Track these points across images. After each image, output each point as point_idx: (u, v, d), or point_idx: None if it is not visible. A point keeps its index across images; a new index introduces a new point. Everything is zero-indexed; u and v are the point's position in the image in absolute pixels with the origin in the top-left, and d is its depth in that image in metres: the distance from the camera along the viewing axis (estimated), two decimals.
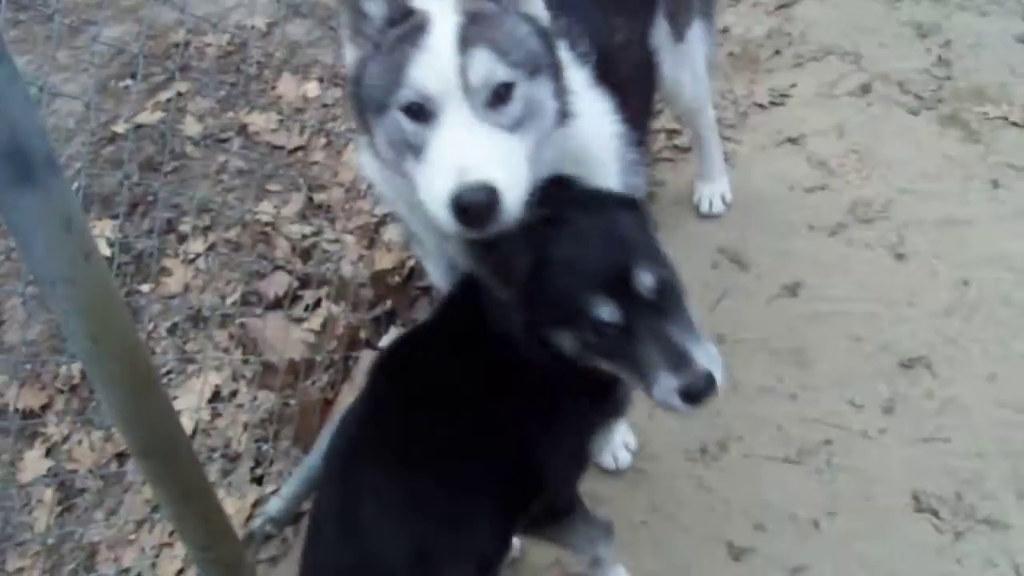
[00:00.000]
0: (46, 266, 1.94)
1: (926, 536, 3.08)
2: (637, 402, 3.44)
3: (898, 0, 5.02)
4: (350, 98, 2.26)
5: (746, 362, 3.58)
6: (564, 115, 2.20)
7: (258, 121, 4.89)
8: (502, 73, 2.03)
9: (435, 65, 2.01)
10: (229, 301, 4.11)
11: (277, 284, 4.05)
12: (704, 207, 4.12)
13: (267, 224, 4.35)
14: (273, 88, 5.12)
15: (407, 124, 2.06)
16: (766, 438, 3.37)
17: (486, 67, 2.01)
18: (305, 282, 4.06)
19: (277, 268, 4.13)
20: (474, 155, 1.98)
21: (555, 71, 2.17)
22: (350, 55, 2.22)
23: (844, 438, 3.33)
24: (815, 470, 3.27)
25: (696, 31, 3.48)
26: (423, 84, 2.01)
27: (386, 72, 2.08)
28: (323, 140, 4.83)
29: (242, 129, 4.92)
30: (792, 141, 4.38)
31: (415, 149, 2.05)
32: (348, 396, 3.59)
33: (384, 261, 4.06)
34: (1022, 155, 4.18)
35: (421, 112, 2.03)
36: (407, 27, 2.09)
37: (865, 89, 4.57)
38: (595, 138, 2.38)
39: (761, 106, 4.56)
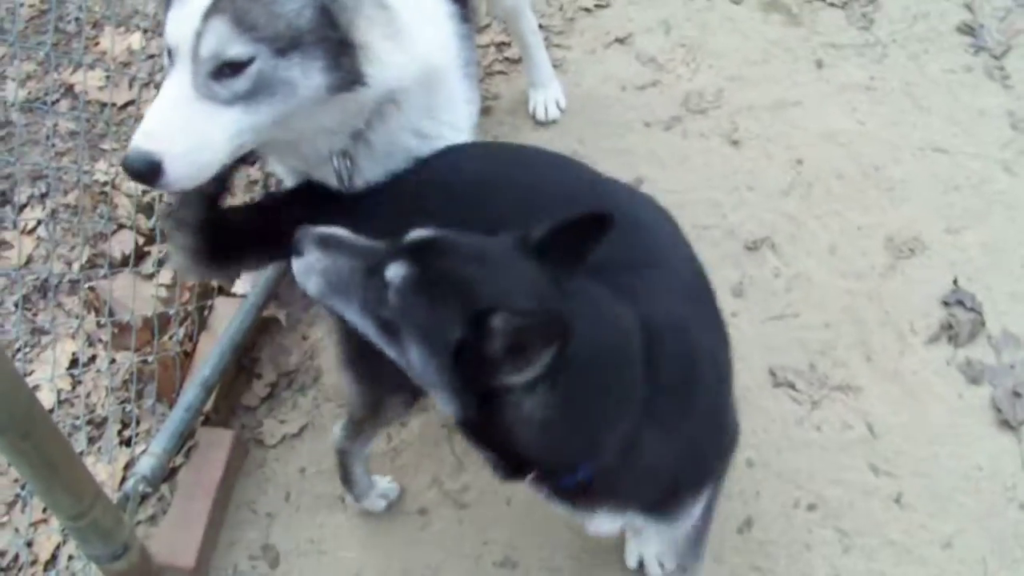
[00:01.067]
0: None
1: (785, 408, 3.21)
2: None
3: None
4: None
5: None
6: (349, 83, 2.12)
7: (82, 79, 4.71)
8: (234, 51, 1.98)
9: (178, 24, 2.00)
10: (75, 267, 3.98)
11: (122, 243, 3.92)
12: (540, 114, 4.11)
13: (105, 184, 4.21)
14: (96, 44, 4.92)
15: (167, 61, 2.08)
16: None
17: (217, 41, 1.97)
18: (150, 238, 3.94)
19: (120, 227, 4.00)
20: (153, 123, 2.01)
21: (329, 44, 2.07)
22: None
23: None
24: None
25: None
26: (168, 36, 2.03)
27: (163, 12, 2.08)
28: (153, 92, 4.65)
29: (68, 89, 4.73)
30: (620, 41, 4.38)
31: None
32: (207, 346, 3.52)
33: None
34: (842, 35, 4.29)
35: (172, 57, 2.05)
36: None
37: None
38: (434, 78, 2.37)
39: (587, 9, 4.54)
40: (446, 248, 1.83)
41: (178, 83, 2.00)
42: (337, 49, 2.07)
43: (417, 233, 1.86)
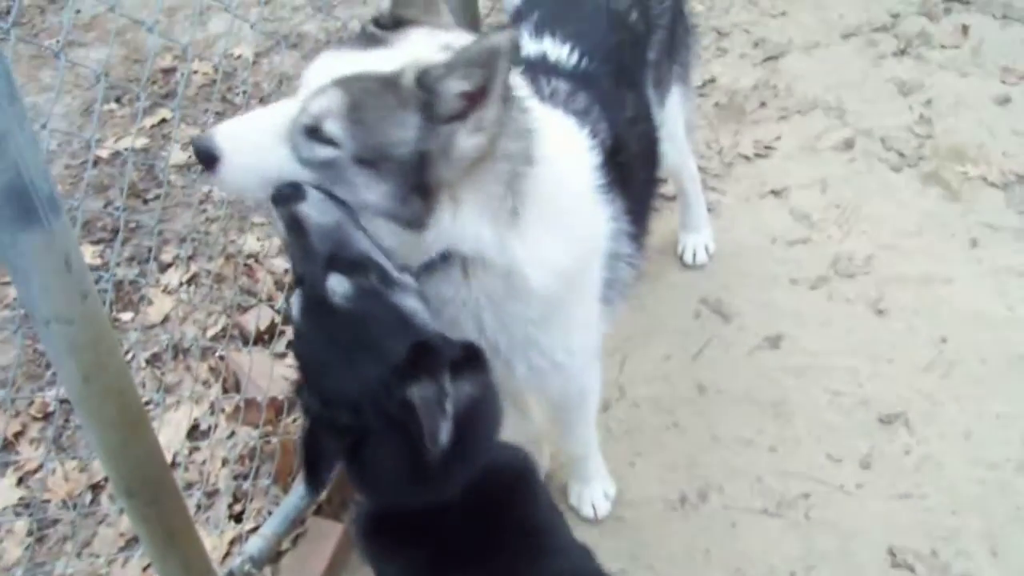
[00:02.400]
0: (42, 305, 1.93)
1: None
2: (618, 450, 3.52)
3: (881, 57, 5.09)
4: None
5: (726, 413, 3.61)
6: (406, 222, 2.12)
7: None
8: (328, 127, 2.03)
9: (318, 70, 2.12)
10: (210, 333, 4.09)
11: (260, 318, 4.02)
12: (688, 257, 4.14)
13: (250, 257, 4.34)
14: None
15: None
16: (745, 489, 3.39)
17: (326, 107, 2.03)
18: (287, 318, 4.04)
19: (260, 302, 4.11)
20: (241, 127, 2.15)
21: (406, 182, 2.08)
22: None
23: (822, 492, 3.36)
24: (793, 523, 3.29)
25: (675, 97, 3.53)
26: (309, 72, 2.15)
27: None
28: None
29: None
30: (776, 193, 4.41)
31: None
32: None
33: None
34: (999, 215, 4.24)
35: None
36: (376, 35, 2.20)
37: (848, 144, 4.62)
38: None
39: (746, 157, 4.60)
40: None
41: (282, 114, 2.09)
42: (414, 188, 2.07)
43: None
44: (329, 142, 2.04)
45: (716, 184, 4.49)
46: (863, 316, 3.91)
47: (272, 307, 4.07)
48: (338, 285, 1.93)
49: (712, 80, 4.97)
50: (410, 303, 2.03)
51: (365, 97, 2.04)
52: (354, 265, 1.98)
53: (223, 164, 2.08)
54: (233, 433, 3.71)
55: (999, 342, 3.77)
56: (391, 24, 2.22)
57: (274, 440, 3.54)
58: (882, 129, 4.67)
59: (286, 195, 2.02)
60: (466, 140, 2.05)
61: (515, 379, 2.57)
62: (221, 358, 3.92)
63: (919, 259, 4.09)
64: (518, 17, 3.09)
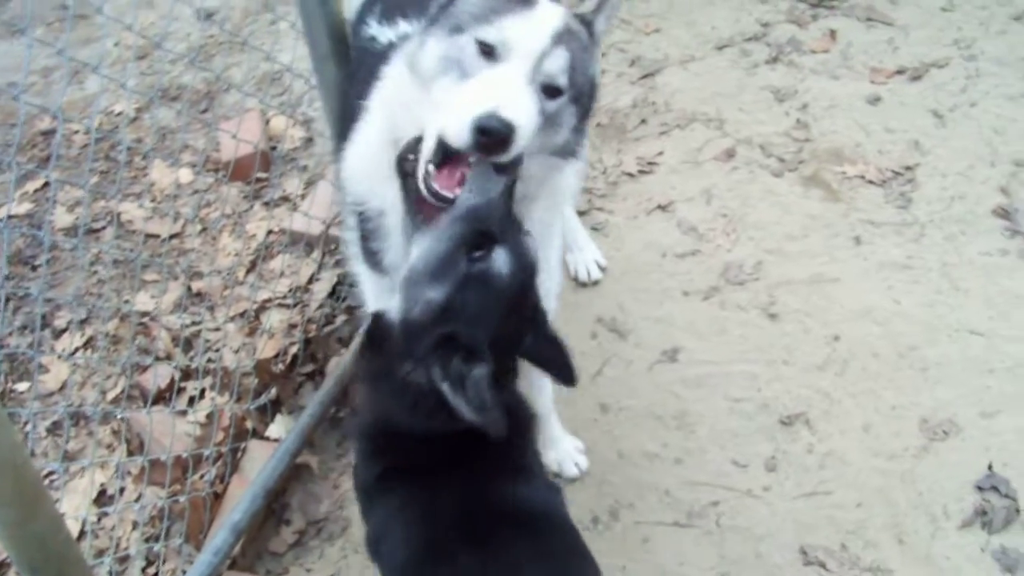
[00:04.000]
0: None
1: None
2: None
3: (755, 66, 5.19)
4: (438, 8, 2.50)
5: (631, 430, 3.65)
6: (570, 148, 2.50)
7: (131, 209, 4.82)
8: (563, 79, 2.30)
9: (529, 31, 2.29)
10: (110, 396, 4.03)
11: (159, 377, 3.97)
12: (583, 275, 4.17)
13: (144, 315, 4.28)
14: (145, 175, 5.05)
15: (472, 52, 2.31)
16: (655, 503, 3.43)
17: (558, 66, 2.29)
18: (188, 374, 3.99)
19: (158, 360, 4.06)
20: (512, 98, 2.22)
21: (585, 113, 2.45)
22: None
23: (731, 498, 3.41)
24: (705, 532, 3.34)
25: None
26: (511, 36, 2.28)
27: (483, 9, 2.35)
28: (199, 227, 4.78)
29: (115, 218, 4.84)
30: (662, 208, 4.47)
31: (464, 72, 2.31)
32: (237, 489, 3.55)
33: (267, 349, 4.02)
34: (881, 212, 4.35)
35: (490, 52, 2.28)
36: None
37: (729, 154, 4.70)
38: (569, 183, 2.81)
39: (630, 175, 4.65)
40: None
41: (516, 74, 2.26)
42: (586, 116, 2.49)
43: None
44: (556, 93, 2.31)
45: (603, 204, 4.54)
46: (756, 322, 3.98)
47: (170, 364, 4.02)
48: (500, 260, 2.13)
49: None
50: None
51: (576, 48, 2.34)
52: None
53: (516, 135, 2.18)
54: (141, 495, 3.65)
55: (889, 335, 3.87)
56: None
57: (182, 499, 3.49)
58: (761, 136, 4.76)
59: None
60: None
61: None
62: (123, 420, 3.86)
63: (806, 261, 4.18)
64: (364, 12, 3.18)
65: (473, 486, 2.23)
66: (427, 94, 2.37)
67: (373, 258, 2.74)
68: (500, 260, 2.12)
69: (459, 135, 2.18)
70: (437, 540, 2.19)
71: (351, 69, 3.20)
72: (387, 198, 2.59)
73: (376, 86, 2.64)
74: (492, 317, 2.09)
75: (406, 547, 2.23)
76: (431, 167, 2.28)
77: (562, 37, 2.30)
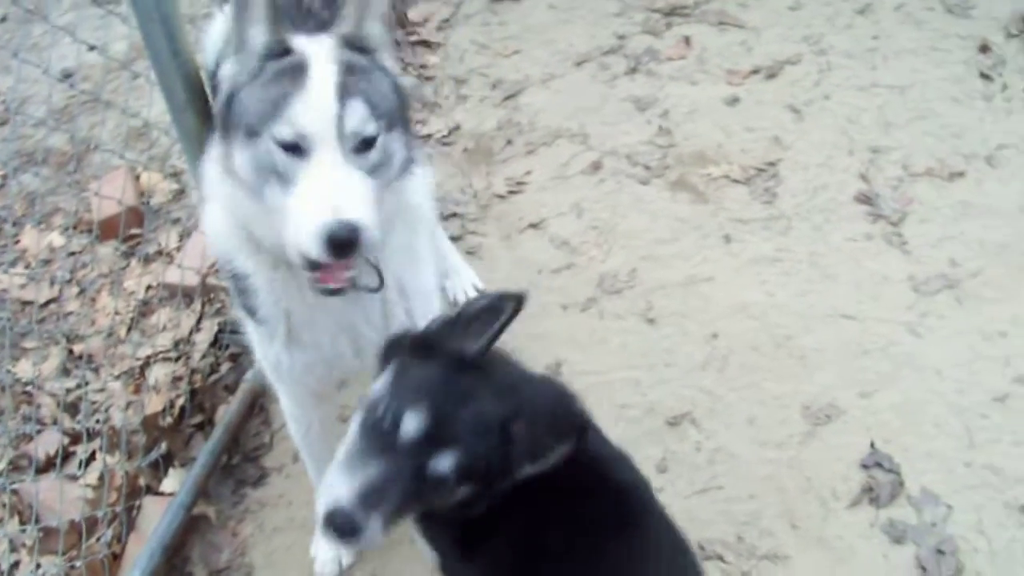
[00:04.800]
0: None
1: None
2: None
3: (615, 79, 5.25)
4: (220, 111, 2.37)
5: None
6: (408, 164, 2.43)
7: (4, 279, 4.73)
8: (371, 127, 2.22)
9: (316, 109, 2.17)
10: None
11: (46, 444, 3.89)
12: (460, 299, 4.16)
13: (28, 383, 4.21)
14: (17, 242, 4.97)
15: (279, 156, 2.20)
16: None
17: (359, 118, 2.19)
18: (76, 438, 3.92)
19: (44, 427, 3.99)
20: (344, 195, 2.15)
21: (406, 125, 2.38)
22: (228, 69, 2.34)
23: None
24: None
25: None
26: (303, 124, 2.17)
27: (264, 103, 2.22)
28: (75, 289, 4.70)
29: None
30: (534, 226, 4.51)
31: (283, 179, 2.21)
32: (135, 547, 3.51)
33: (154, 403, 3.97)
34: (747, 210, 4.45)
35: (295, 148, 2.18)
36: (285, 64, 2.25)
37: (596, 167, 4.75)
38: (421, 196, 2.71)
39: (501, 196, 4.68)
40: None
41: (334, 161, 2.18)
42: (408, 128, 2.41)
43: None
44: (372, 140, 2.25)
45: (475, 227, 4.56)
46: (636, 328, 4.03)
47: (57, 430, 3.95)
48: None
49: (457, 127, 5.05)
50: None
51: (365, 81, 2.29)
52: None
53: (363, 233, 2.13)
54: (38, 566, 3.58)
55: (766, 328, 3.96)
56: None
57: (79, 564, 3.44)
58: (626, 147, 4.83)
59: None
60: None
61: None
62: (13, 492, 3.79)
63: (679, 264, 4.25)
64: (221, 59, 3.12)
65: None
66: (259, 201, 2.30)
67: (248, 309, 2.70)
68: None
69: (313, 252, 2.15)
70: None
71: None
72: (249, 265, 2.55)
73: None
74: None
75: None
76: (313, 275, 2.28)
77: (347, 87, 2.22)
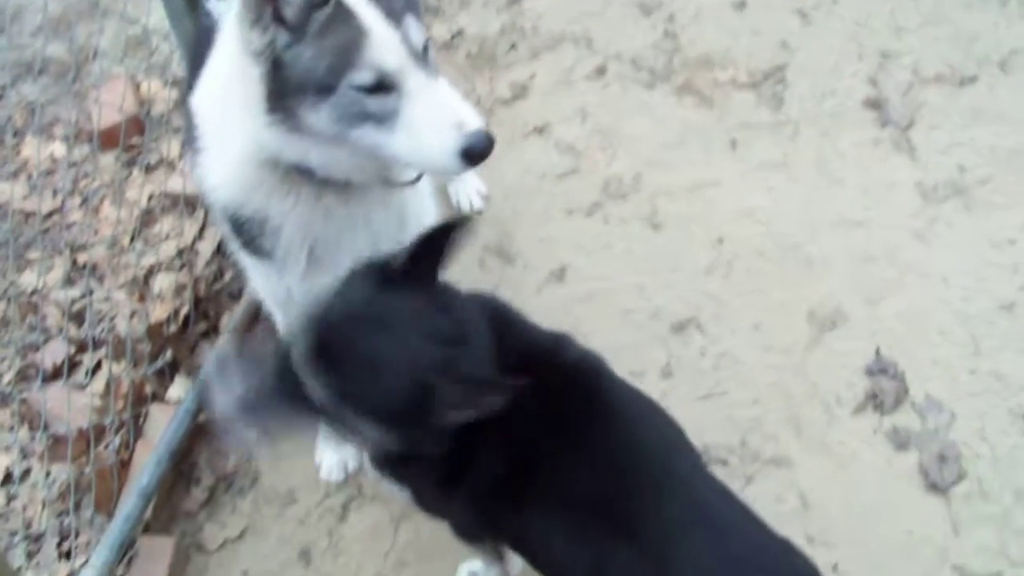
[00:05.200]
0: None
1: None
2: None
3: None
4: (266, 80, 2.24)
5: None
6: None
7: (6, 189, 4.70)
8: (423, 33, 2.24)
9: (386, 45, 2.16)
10: (5, 379, 3.95)
11: (53, 353, 3.90)
12: (465, 205, 4.15)
13: (33, 294, 4.20)
14: (17, 153, 4.92)
15: (366, 100, 2.18)
16: None
17: (416, 32, 2.20)
18: (82, 347, 3.92)
19: (50, 337, 3.99)
20: (455, 109, 2.20)
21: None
22: (249, 38, 2.21)
23: None
24: None
25: None
26: (381, 64, 2.16)
27: (327, 56, 2.17)
28: (78, 200, 4.67)
29: None
30: (539, 131, 4.45)
31: (377, 118, 2.20)
32: (143, 454, 3.53)
33: (158, 312, 3.96)
34: (754, 114, 4.39)
35: (379, 88, 2.17)
36: (331, 10, 2.17)
37: (600, 71, 4.68)
38: None
39: (504, 101, 4.62)
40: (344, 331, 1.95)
41: (424, 83, 2.18)
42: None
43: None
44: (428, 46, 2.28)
45: None
46: (640, 233, 4.00)
47: (63, 339, 3.95)
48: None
49: (460, 32, 4.97)
50: None
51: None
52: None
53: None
54: (48, 473, 3.60)
55: (772, 234, 3.93)
56: None
57: (88, 471, 3.46)
58: (630, 51, 4.75)
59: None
60: None
61: None
62: (22, 401, 3.80)
63: (685, 169, 4.21)
64: None
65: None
66: (340, 146, 2.28)
67: (258, 250, 2.64)
68: None
69: (453, 168, 2.22)
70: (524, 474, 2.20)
71: (192, 53, 3.03)
72: (272, 207, 2.51)
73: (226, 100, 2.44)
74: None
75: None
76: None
77: (391, 10, 2.20)
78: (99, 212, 4.54)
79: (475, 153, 2.18)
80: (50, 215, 4.55)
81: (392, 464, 2.37)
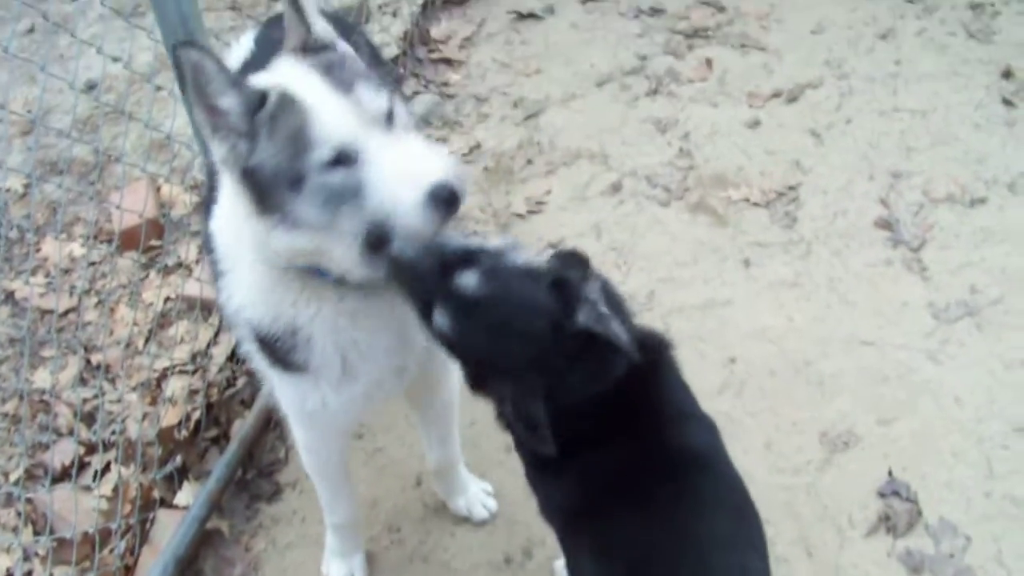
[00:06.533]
0: None
1: None
2: (433, 518, 3.53)
3: (635, 99, 5.26)
4: (244, 193, 2.27)
5: None
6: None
7: (24, 287, 4.75)
8: (382, 99, 2.21)
9: (336, 117, 2.15)
10: (12, 478, 3.95)
11: (62, 453, 3.90)
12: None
13: (45, 392, 4.22)
14: (37, 251, 4.98)
15: (335, 176, 2.16)
16: None
17: (371, 97, 2.19)
18: (91, 448, 3.92)
19: (60, 437, 3.99)
20: (419, 159, 2.18)
21: (397, 83, 2.33)
22: (217, 151, 2.24)
23: None
24: None
25: None
26: (333, 136, 2.14)
27: (284, 147, 2.16)
28: (94, 299, 4.71)
29: (9, 296, 4.77)
30: (553, 246, 4.46)
31: (354, 191, 2.16)
32: (148, 560, 3.51)
33: (170, 416, 3.97)
34: (767, 233, 4.44)
35: (344, 160, 2.15)
36: (273, 105, 2.17)
37: (616, 187, 4.75)
38: None
39: (520, 215, 4.68)
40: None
41: (384, 143, 2.17)
42: (399, 85, 2.34)
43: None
44: (391, 111, 2.29)
45: None
46: None
47: (73, 440, 3.96)
48: (467, 280, 2.16)
49: (477, 146, 5.06)
50: (523, 256, 2.26)
51: (350, 71, 2.30)
52: (465, 259, 2.19)
53: (463, 181, 2.17)
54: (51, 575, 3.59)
55: (784, 352, 3.94)
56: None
57: (92, 575, 3.44)
58: (646, 168, 4.83)
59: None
60: None
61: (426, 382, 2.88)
62: (28, 501, 3.80)
63: (698, 286, 4.24)
64: (248, 68, 3.11)
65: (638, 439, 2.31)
66: (330, 233, 2.24)
67: (290, 365, 2.62)
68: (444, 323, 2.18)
69: (421, 221, 2.15)
70: (596, 496, 2.31)
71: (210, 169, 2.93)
72: (303, 313, 2.50)
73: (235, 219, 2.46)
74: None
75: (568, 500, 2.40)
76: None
77: (339, 81, 2.21)
78: (115, 313, 4.58)
79: (440, 199, 2.12)
80: (66, 314, 4.58)
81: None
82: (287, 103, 2.17)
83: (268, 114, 2.18)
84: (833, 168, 4.71)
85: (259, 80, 2.26)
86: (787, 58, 5.41)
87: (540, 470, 2.49)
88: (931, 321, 4.00)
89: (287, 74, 2.25)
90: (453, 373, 2.91)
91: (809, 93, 5.16)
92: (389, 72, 2.37)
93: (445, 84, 5.51)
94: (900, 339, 3.95)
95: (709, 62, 5.45)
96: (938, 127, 4.83)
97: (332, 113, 2.15)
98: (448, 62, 5.66)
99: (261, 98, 2.19)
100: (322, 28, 2.35)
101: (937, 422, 3.67)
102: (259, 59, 3.08)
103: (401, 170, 2.15)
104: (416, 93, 5.46)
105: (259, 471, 3.84)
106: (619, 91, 5.36)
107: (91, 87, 5.57)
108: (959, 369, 3.82)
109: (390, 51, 5.37)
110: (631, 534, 2.25)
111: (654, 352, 2.43)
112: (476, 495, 3.56)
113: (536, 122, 5.20)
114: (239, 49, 3.23)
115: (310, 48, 2.31)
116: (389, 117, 2.23)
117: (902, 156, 4.72)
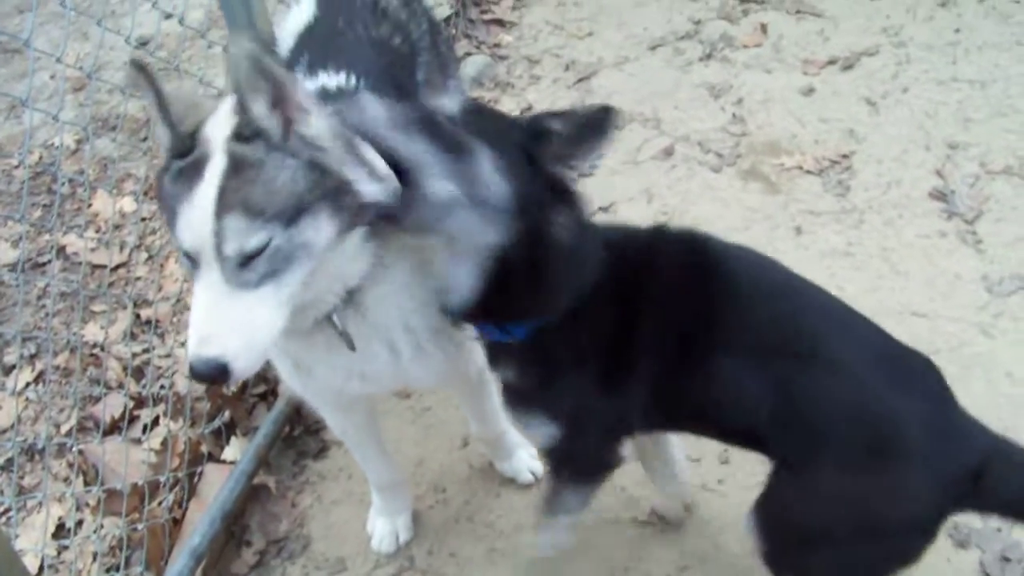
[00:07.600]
0: None
1: None
2: (478, 479, 3.53)
3: (689, 64, 5.23)
4: None
5: None
6: (355, 217, 2.16)
7: (76, 241, 4.79)
8: (253, 241, 2.02)
9: (192, 228, 2.04)
10: (64, 429, 4.01)
11: (112, 407, 3.95)
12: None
13: (96, 346, 4.26)
14: (89, 206, 5.02)
15: (185, 261, 2.14)
16: (613, 502, 3.43)
17: (237, 237, 2.01)
18: (141, 402, 3.97)
19: (110, 390, 4.04)
20: (205, 328, 2.06)
21: (333, 193, 2.10)
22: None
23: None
24: (663, 527, 3.34)
25: None
26: (183, 241, 2.07)
27: (168, 207, 2.11)
28: (144, 255, 4.76)
29: (60, 251, 4.82)
30: (604, 210, 4.48)
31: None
32: (196, 513, 3.55)
33: None
34: (820, 202, 4.39)
35: (190, 258, 2.09)
36: (189, 161, 2.08)
37: (668, 152, 4.73)
38: None
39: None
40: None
41: (209, 283, 2.05)
42: (336, 193, 2.09)
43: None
44: (262, 249, 2.10)
45: None
46: None
47: (122, 394, 4.00)
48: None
49: (529, 108, 5.04)
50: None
51: (246, 189, 2.09)
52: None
53: (232, 364, 2.05)
54: (101, 526, 3.63)
55: None
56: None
57: (141, 527, 3.48)
58: (698, 133, 4.80)
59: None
60: None
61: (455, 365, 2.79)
62: (79, 452, 3.85)
63: None
64: (310, 33, 3.12)
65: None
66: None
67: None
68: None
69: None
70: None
71: None
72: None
73: None
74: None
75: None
76: None
77: (226, 197, 2.03)
78: (164, 268, 4.62)
79: (197, 377, 2.08)
80: (117, 269, 4.63)
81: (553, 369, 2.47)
82: (192, 172, 2.07)
83: (181, 166, 2.09)
84: (888, 137, 4.66)
85: (209, 129, 2.14)
86: (843, 25, 5.35)
87: (618, 373, 2.48)
88: (984, 294, 3.94)
89: (215, 143, 2.10)
90: (472, 353, 2.79)
91: (865, 61, 5.10)
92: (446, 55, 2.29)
93: (497, 45, 5.49)
94: (953, 312, 3.89)
95: (764, 27, 5.40)
96: (997, 98, 4.75)
97: (192, 224, 2.05)
98: (500, 23, 5.64)
99: (189, 146, 2.10)
100: (265, 116, 2.09)
101: (988, 396, 3.62)
102: (321, 23, 3.11)
103: (191, 321, 2.08)
104: (468, 54, 5.45)
105: (306, 428, 3.87)
106: (672, 55, 5.32)
107: (143, 43, 5.61)
108: (1012, 344, 3.77)
109: (442, 11, 5.37)
110: (743, 325, 2.47)
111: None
112: (522, 459, 3.57)
113: (588, 85, 5.17)
114: (299, 12, 3.22)
115: (245, 134, 2.09)
116: (251, 259, 2.04)
117: (959, 127, 4.64)
